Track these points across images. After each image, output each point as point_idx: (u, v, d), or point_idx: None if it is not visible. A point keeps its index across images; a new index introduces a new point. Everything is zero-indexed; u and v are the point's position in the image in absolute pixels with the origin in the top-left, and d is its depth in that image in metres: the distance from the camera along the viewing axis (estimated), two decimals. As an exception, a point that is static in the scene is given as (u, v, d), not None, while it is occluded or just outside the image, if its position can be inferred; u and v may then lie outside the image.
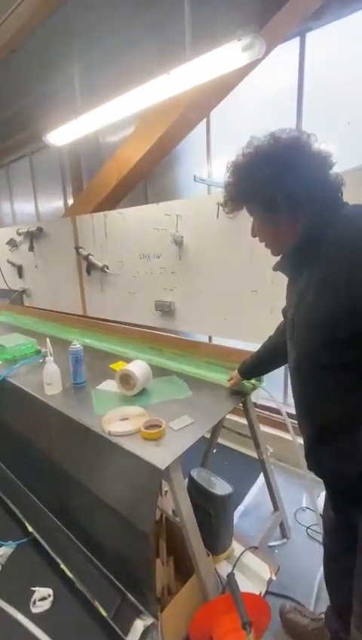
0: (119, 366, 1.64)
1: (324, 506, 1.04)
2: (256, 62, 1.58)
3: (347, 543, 0.89)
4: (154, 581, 0.99)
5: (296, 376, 0.86)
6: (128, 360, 1.48)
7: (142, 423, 1.11)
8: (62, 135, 1.90)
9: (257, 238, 0.89)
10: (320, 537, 1.54)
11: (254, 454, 1.73)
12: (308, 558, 1.45)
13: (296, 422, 0.90)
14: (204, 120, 2.16)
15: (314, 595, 1.30)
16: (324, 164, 0.76)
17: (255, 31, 1.16)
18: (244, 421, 1.46)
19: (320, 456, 0.85)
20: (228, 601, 1.01)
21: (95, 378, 1.56)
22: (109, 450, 1.09)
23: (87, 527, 1.25)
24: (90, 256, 2.59)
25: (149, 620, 0.99)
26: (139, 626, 0.98)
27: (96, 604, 1.09)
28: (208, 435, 1.75)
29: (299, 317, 0.80)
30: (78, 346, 1.51)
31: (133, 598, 1.06)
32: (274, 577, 1.21)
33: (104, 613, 1.07)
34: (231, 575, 1.05)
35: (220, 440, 2.29)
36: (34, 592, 1.32)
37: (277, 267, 0.92)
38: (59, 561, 1.28)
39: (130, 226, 2.28)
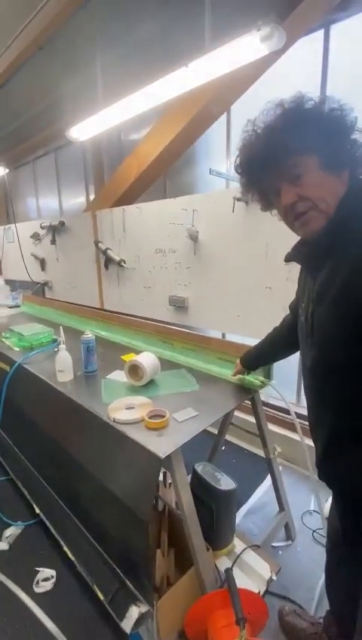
0: (130, 357, 1.66)
1: (330, 514, 0.99)
2: (277, 54, 1.56)
3: (351, 555, 0.86)
4: (152, 570, 1.00)
5: (312, 377, 0.78)
6: (139, 352, 1.50)
7: (146, 412, 1.12)
8: (83, 130, 1.93)
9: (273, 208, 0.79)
10: (325, 542, 1.50)
11: (263, 453, 1.71)
12: (313, 561, 1.41)
13: (307, 424, 0.83)
14: (225, 115, 2.14)
15: (315, 599, 1.26)
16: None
17: (276, 22, 1.14)
18: (254, 419, 1.44)
19: (334, 466, 0.77)
20: (225, 596, 1.00)
21: (106, 368, 1.58)
22: (113, 437, 1.10)
23: (92, 513, 1.27)
24: (109, 251, 2.63)
25: (145, 608, 1.00)
26: (134, 612, 0.99)
27: (95, 587, 1.11)
28: (215, 431, 1.74)
29: (321, 313, 0.72)
30: (90, 335, 1.55)
31: (131, 585, 1.07)
32: (274, 577, 1.19)
33: (101, 597, 1.09)
34: (228, 570, 1.04)
35: (230, 438, 2.28)
36: (38, 572, 1.37)
37: (292, 257, 0.82)
38: (62, 543, 1.31)
39: (147, 220, 2.30)
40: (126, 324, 2.18)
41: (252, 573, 1.19)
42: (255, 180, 0.77)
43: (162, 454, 0.93)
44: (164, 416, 1.10)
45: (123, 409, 1.18)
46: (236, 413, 2.05)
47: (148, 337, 1.99)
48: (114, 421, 1.12)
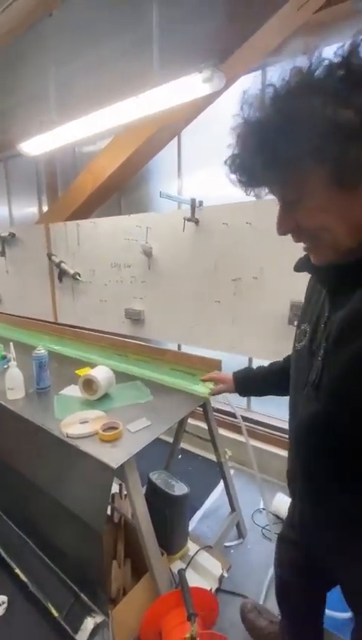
0: (85, 372, 1.67)
1: (283, 535, 0.93)
2: (222, 89, 1.72)
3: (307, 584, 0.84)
4: (107, 580, 1.02)
5: (307, 433, 0.61)
6: (95, 366, 1.52)
7: (100, 425, 1.16)
8: (35, 146, 1.95)
9: (286, 234, 0.56)
10: (273, 537, 1.62)
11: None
12: (262, 556, 1.52)
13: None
14: (176, 138, 2.28)
15: (263, 592, 1.36)
16: None
17: (215, 64, 1.28)
18: (204, 426, 1.53)
19: (319, 536, 0.69)
20: (178, 596, 1.06)
21: (60, 383, 1.58)
22: (67, 452, 1.12)
23: (46, 532, 1.26)
24: (63, 264, 2.62)
25: (100, 618, 1.02)
26: (89, 623, 1.01)
27: (49, 605, 1.11)
28: (171, 440, 1.81)
29: (341, 361, 0.53)
30: (43, 351, 1.54)
31: (85, 598, 1.08)
32: (225, 574, 1.27)
33: (55, 614, 1.08)
34: (181, 571, 1.10)
35: (186, 446, 2.35)
36: (-13, 599, 1.31)
37: (310, 269, 0.61)
38: (14, 566, 1.28)
39: (102, 235, 2.34)
40: (80, 338, 2.18)
41: (204, 573, 1.26)
42: (248, 188, 0.56)
43: (115, 464, 0.98)
44: (117, 428, 1.15)
45: (77, 424, 1.20)
46: (190, 421, 2.13)
47: (103, 350, 2.02)
48: (67, 436, 1.14)
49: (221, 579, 1.27)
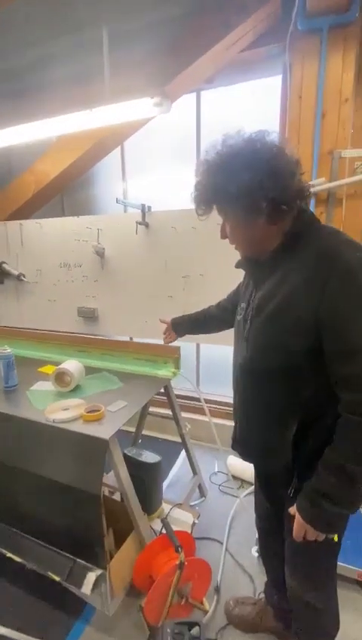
0: (49, 369, 1.74)
1: (256, 492, 1.15)
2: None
3: (278, 526, 1.02)
4: (103, 537, 1.18)
5: (242, 372, 0.90)
6: (56, 363, 1.61)
7: (84, 409, 1.30)
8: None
9: (224, 239, 0.88)
10: (230, 491, 1.94)
11: (174, 439, 2.04)
12: (222, 507, 1.82)
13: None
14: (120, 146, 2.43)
15: (226, 532, 1.66)
16: (297, 169, 0.76)
17: (163, 93, 1.49)
18: (164, 411, 1.74)
19: (251, 447, 0.94)
20: (163, 540, 1.27)
21: (24, 382, 1.62)
22: (55, 435, 1.24)
23: (36, 514, 1.33)
24: (4, 265, 2.57)
25: (99, 571, 1.18)
26: (91, 577, 1.16)
27: (49, 573, 1.22)
28: (133, 430, 1.99)
29: (258, 323, 0.83)
30: (9, 350, 1.59)
31: (82, 561, 1.23)
32: (196, 521, 1.53)
33: (57, 579, 1.21)
34: (163, 519, 1.32)
35: (145, 432, 2.54)
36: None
37: (242, 266, 0.94)
38: (4, 551, 1.34)
39: (49, 236, 2.37)
40: (35, 338, 2.21)
41: (179, 523, 1.49)
42: (200, 212, 0.86)
43: (106, 436, 1.15)
44: (99, 410, 1.30)
45: (59, 410, 1.32)
46: (150, 409, 2.33)
47: (62, 348, 2.09)
48: (53, 422, 1.26)
49: (193, 525, 1.52)
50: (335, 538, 0.83)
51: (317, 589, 0.94)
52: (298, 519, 0.79)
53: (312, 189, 1.73)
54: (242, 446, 0.97)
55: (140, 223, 1.99)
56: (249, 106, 2.15)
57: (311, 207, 1.80)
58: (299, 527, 0.79)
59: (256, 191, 0.72)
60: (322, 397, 0.77)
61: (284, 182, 0.73)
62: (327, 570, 0.94)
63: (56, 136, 2.29)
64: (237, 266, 0.96)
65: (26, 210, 2.59)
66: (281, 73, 1.94)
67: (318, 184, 1.77)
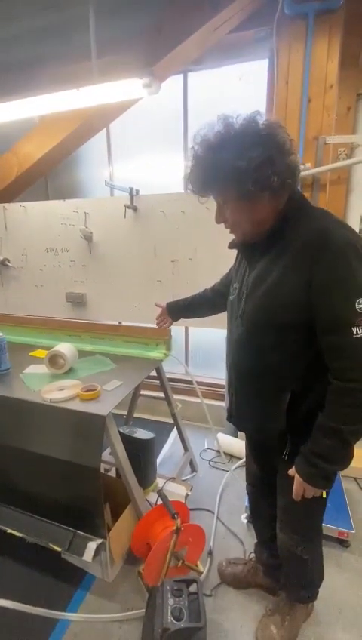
0: (41, 353, 1.75)
1: (247, 462, 1.23)
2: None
3: (268, 490, 1.10)
4: (102, 508, 1.23)
5: (238, 348, 0.95)
6: (47, 348, 1.62)
7: (80, 388, 1.33)
8: None
9: (220, 224, 0.90)
10: (219, 466, 2.03)
11: (165, 419, 2.11)
12: (212, 480, 1.92)
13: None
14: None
15: (217, 502, 1.76)
16: (291, 149, 0.78)
17: (153, 74, 1.48)
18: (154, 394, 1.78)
19: (248, 417, 0.99)
20: (159, 510, 1.34)
21: (16, 366, 1.63)
22: (52, 414, 1.27)
23: (34, 491, 1.37)
24: (-12, 250, 2.51)
25: (100, 540, 1.24)
26: (92, 545, 1.22)
27: (51, 545, 1.27)
28: (125, 413, 2.04)
29: (252, 302, 0.88)
30: (1, 334, 1.59)
31: (82, 533, 1.28)
32: (189, 492, 1.61)
33: (59, 549, 1.26)
34: (160, 490, 1.39)
35: (136, 414, 2.60)
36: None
37: (235, 246, 0.96)
38: (5, 528, 1.38)
39: (34, 219, 2.33)
40: (24, 323, 2.19)
41: (173, 495, 1.56)
42: (200, 194, 0.88)
43: (104, 413, 1.19)
44: (95, 389, 1.34)
45: (56, 391, 1.35)
46: (141, 392, 2.38)
47: (52, 333, 2.09)
48: (50, 402, 1.29)
49: (186, 497, 1.60)
50: (324, 494, 0.92)
51: (304, 541, 1.04)
52: (297, 479, 0.87)
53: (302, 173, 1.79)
54: (238, 418, 1.02)
55: (129, 207, 1.99)
56: (235, 91, 2.17)
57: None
58: (299, 486, 0.87)
59: (268, 165, 0.74)
60: (313, 368, 0.83)
61: (289, 157, 0.76)
62: (314, 524, 1.04)
63: (39, 117, 2.23)
64: (231, 246, 0.98)
65: (8, 194, 2.52)
66: (268, 57, 1.96)
67: (305, 169, 1.82)
